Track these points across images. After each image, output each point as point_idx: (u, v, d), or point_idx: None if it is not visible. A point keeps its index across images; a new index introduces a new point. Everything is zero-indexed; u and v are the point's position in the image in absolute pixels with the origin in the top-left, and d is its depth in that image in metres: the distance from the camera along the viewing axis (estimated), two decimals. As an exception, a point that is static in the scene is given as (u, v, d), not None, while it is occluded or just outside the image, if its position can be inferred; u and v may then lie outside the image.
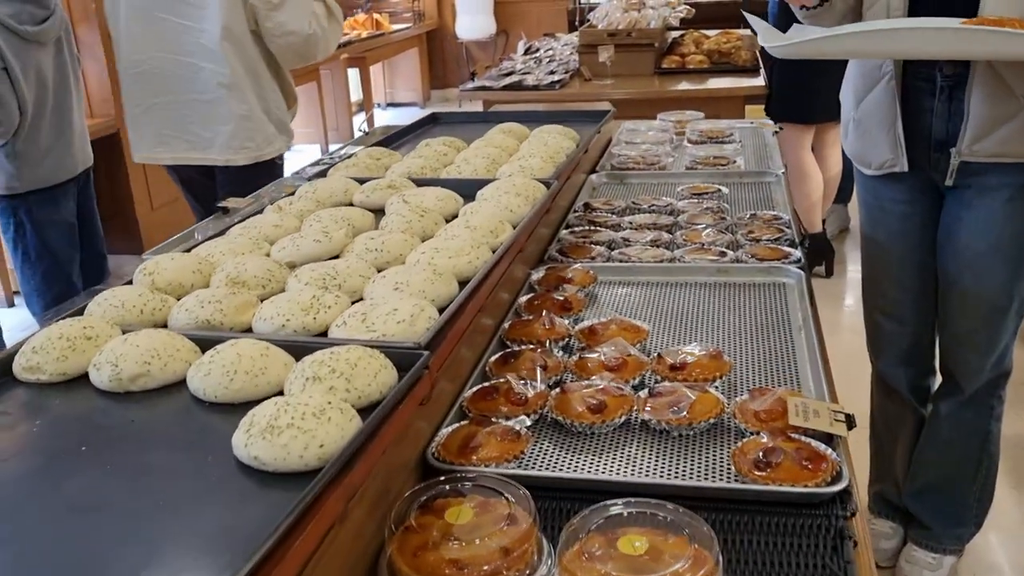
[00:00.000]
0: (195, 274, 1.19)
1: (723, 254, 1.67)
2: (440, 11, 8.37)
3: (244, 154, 2.36)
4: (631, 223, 1.85)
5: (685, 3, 4.98)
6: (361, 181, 1.63)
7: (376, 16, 7.38)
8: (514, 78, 4.06)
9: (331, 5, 2.46)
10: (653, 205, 1.97)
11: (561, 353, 1.29)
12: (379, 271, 1.20)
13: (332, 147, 6.65)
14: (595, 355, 1.26)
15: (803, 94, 3.79)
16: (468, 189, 1.55)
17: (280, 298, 1.06)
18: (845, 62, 2.51)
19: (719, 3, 6.49)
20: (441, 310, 1.06)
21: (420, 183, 1.59)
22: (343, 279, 1.13)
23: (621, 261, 1.64)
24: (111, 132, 4.06)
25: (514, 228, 1.34)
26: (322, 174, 1.76)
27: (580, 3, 6.97)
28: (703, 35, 4.73)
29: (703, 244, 1.71)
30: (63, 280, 3.09)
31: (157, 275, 1.18)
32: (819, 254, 3.92)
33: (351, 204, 1.58)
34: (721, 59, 4.23)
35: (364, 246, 1.25)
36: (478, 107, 4.21)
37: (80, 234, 3.12)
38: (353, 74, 6.89)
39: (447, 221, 1.41)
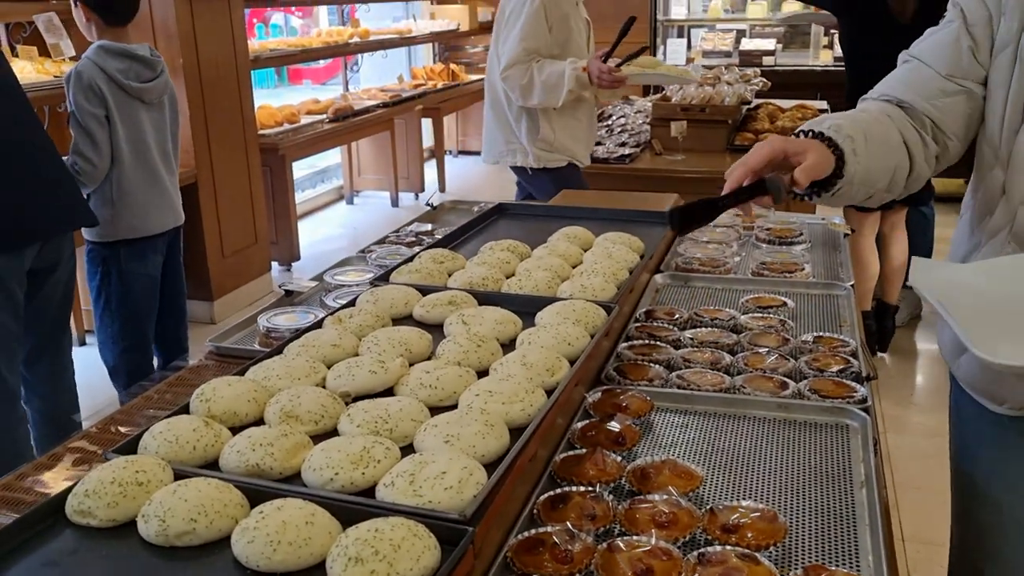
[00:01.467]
0: (250, 403, 1.20)
1: (784, 385, 1.62)
2: (516, 63, 8.46)
3: None
4: (692, 339, 1.82)
5: (761, 76, 4.95)
6: (422, 290, 1.63)
7: (452, 67, 7.49)
8: (583, 148, 4.06)
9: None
10: (716, 319, 1.94)
11: (611, 497, 1.26)
12: (431, 408, 1.20)
13: (402, 195, 6.75)
14: (646, 506, 1.23)
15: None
16: (528, 307, 1.55)
17: (331, 446, 1.06)
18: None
19: (795, 71, 6.45)
20: (491, 464, 1.05)
21: (480, 298, 1.58)
22: (395, 423, 1.13)
23: (680, 387, 1.61)
24: (190, 182, 4.18)
25: (571, 364, 1.32)
26: (384, 277, 1.78)
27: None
28: (778, 108, 4.69)
29: (765, 371, 1.67)
30: (138, 333, 3.18)
31: (213, 403, 1.19)
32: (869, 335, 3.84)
33: (410, 316, 1.58)
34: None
35: (419, 380, 1.25)
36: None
37: (162, 288, 3.22)
38: (426, 123, 7.00)
39: (504, 346, 1.40)
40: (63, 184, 2.67)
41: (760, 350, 1.77)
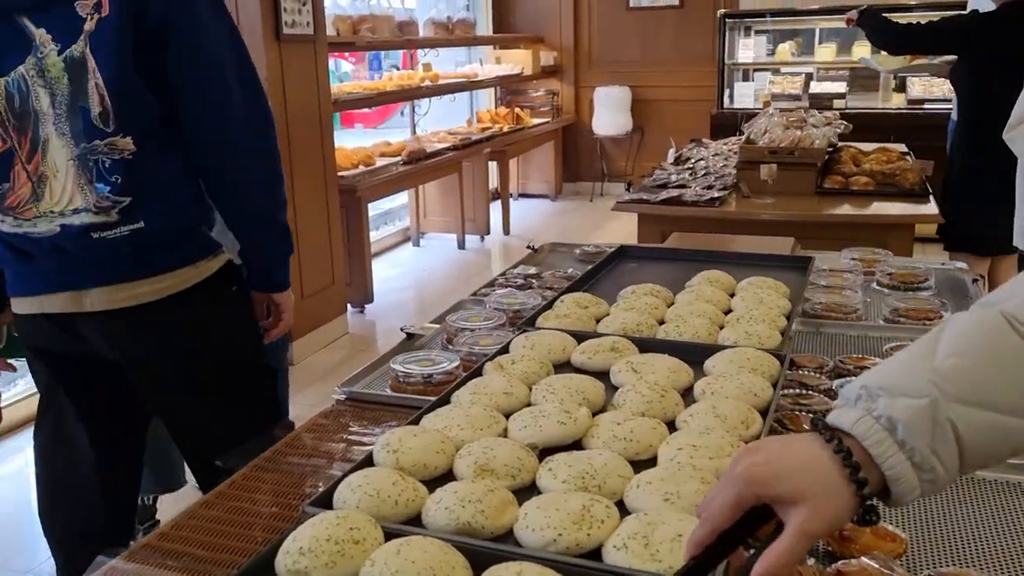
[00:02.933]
0: (439, 455, 1.15)
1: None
2: (577, 107, 8.49)
3: None
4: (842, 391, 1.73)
5: (842, 119, 4.88)
6: (576, 336, 1.57)
7: (517, 111, 7.52)
8: (670, 191, 4.01)
9: None
10: (863, 367, 1.85)
11: (813, 561, 1.18)
12: (629, 462, 1.14)
13: (468, 238, 6.74)
14: (855, 570, 1.14)
15: (979, 224, 3.61)
16: (692, 355, 1.48)
17: (547, 503, 1.00)
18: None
19: (866, 114, 6.37)
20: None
21: (641, 345, 1.52)
22: (602, 479, 1.07)
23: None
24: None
25: (763, 416, 1.25)
26: (530, 321, 1.72)
27: (723, 108, 6.94)
28: (859, 151, 4.61)
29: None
30: None
31: (402, 454, 1.14)
32: None
33: (567, 363, 1.53)
34: (885, 180, 4.09)
35: (611, 433, 1.18)
36: (629, 218, 4.16)
37: None
38: (491, 165, 7.02)
39: (682, 396, 1.34)
40: None
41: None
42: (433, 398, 1.79)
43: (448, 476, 1.15)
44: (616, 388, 1.39)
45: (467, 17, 6.92)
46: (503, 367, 1.46)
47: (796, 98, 6.61)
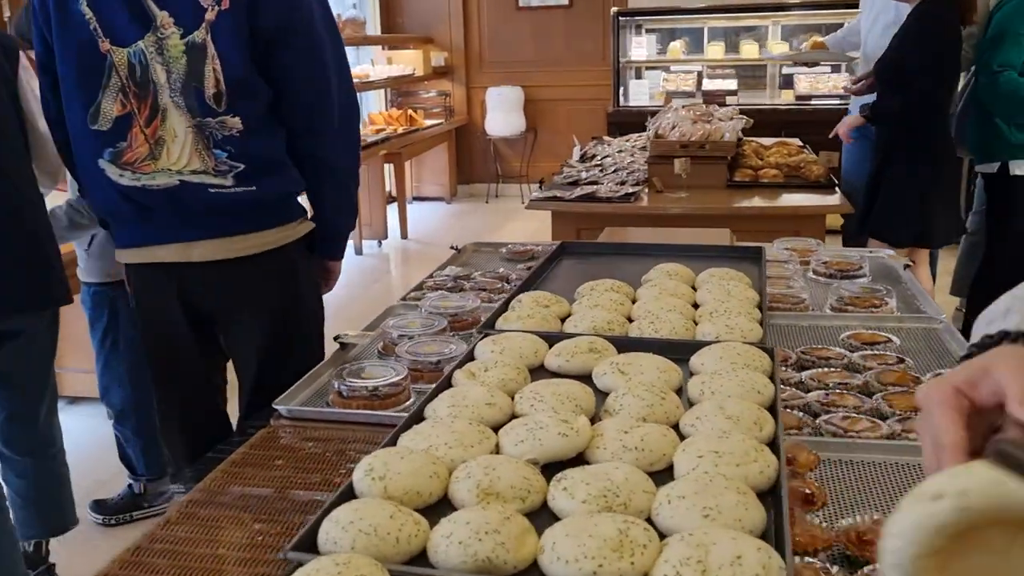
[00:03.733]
0: (432, 479, 1.00)
1: (945, 427, 1.48)
2: (470, 108, 8.37)
3: None
4: (816, 381, 1.67)
5: (742, 113, 4.93)
6: (545, 338, 1.45)
7: (410, 112, 7.35)
8: (584, 188, 3.94)
9: None
10: (826, 359, 1.80)
11: (837, 568, 1.09)
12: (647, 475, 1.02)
13: (366, 243, 6.52)
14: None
15: (897, 215, 3.66)
16: (676, 353, 1.38)
17: (574, 529, 0.87)
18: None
19: (757, 111, 6.49)
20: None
21: (619, 344, 1.41)
22: (627, 497, 0.94)
23: (837, 436, 1.46)
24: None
25: (773, 416, 1.15)
26: (489, 324, 1.58)
27: (620, 106, 6.96)
28: (761, 145, 4.67)
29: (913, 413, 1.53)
30: (145, 375, 2.94)
31: (390, 480, 0.98)
32: None
33: (542, 366, 1.40)
34: (791, 172, 4.14)
35: (619, 442, 1.06)
36: (541, 215, 4.08)
37: None
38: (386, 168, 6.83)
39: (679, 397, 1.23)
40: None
41: (895, 389, 1.64)
42: (382, 412, 1.64)
43: (443, 503, 1.00)
44: (603, 392, 1.27)
45: (356, 16, 6.70)
46: (475, 375, 1.31)
47: (690, 95, 6.69)
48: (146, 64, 1.77)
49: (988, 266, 3.92)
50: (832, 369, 1.75)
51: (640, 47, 6.99)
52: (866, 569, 1.08)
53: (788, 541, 0.86)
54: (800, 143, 4.88)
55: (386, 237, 6.76)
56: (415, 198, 8.30)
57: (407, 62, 7.56)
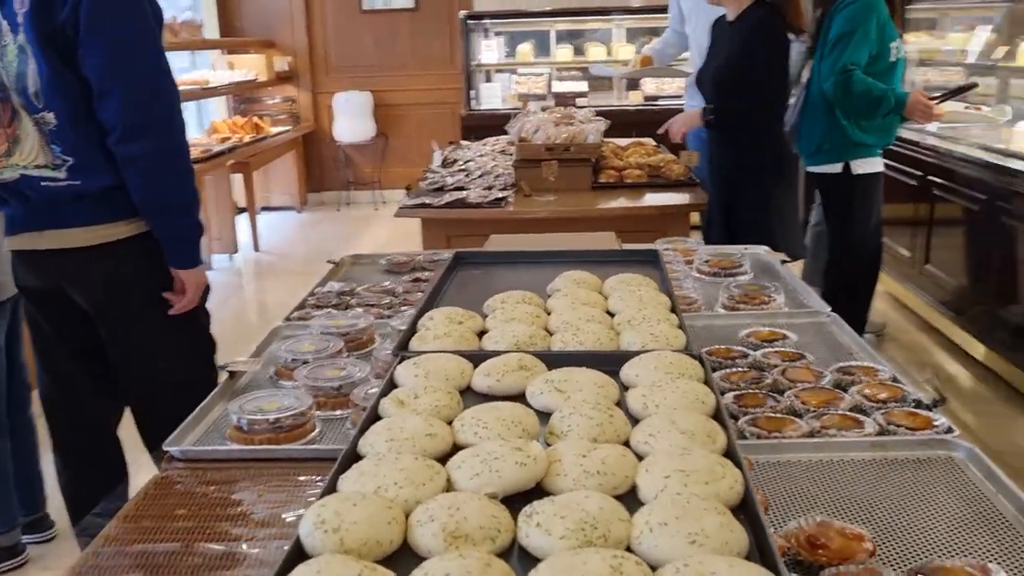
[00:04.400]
0: (391, 525, 0.91)
1: (860, 422, 1.52)
2: (317, 114, 8.13)
3: None
4: (727, 382, 1.68)
5: (598, 115, 5.00)
6: (468, 357, 1.38)
7: (255, 119, 7.05)
8: (452, 194, 3.88)
9: None
10: (731, 359, 1.82)
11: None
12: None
13: (216, 257, 6.20)
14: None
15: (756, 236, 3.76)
16: (606, 365, 1.35)
17: (564, 569, 0.80)
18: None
19: (607, 112, 6.64)
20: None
21: (548, 360, 1.36)
22: (605, 528, 0.89)
23: (761, 438, 1.46)
24: None
25: (721, 426, 1.13)
26: (402, 346, 1.49)
27: (472, 110, 6.93)
28: (618, 146, 4.76)
29: (836, 409, 1.56)
30: None
31: (347, 532, 0.89)
32: None
33: (469, 388, 1.33)
34: (653, 172, 4.23)
35: (579, 468, 1.01)
36: (410, 224, 3.99)
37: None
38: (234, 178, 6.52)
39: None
40: None
41: (803, 385, 1.67)
42: (290, 447, 1.52)
43: (404, 551, 0.92)
44: (539, 412, 1.22)
45: (193, 18, 6.36)
46: (404, 403, 1.23)
47: (541, 98, 6.75)
48: (1, 69, 1.97)
49: (836, 265, 4.12)
50: (739, 369, 1.77)
51: (490, 50, 6.99)
52: (824, 573, 1.07)
53: (778, 560, 0.84)
54: (655, 143, 5.01)
55: (236, 251, 6.46)
56: (264, 208, 7.97)
57: (249, 67, 7.25)
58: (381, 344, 1.85)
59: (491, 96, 6.84)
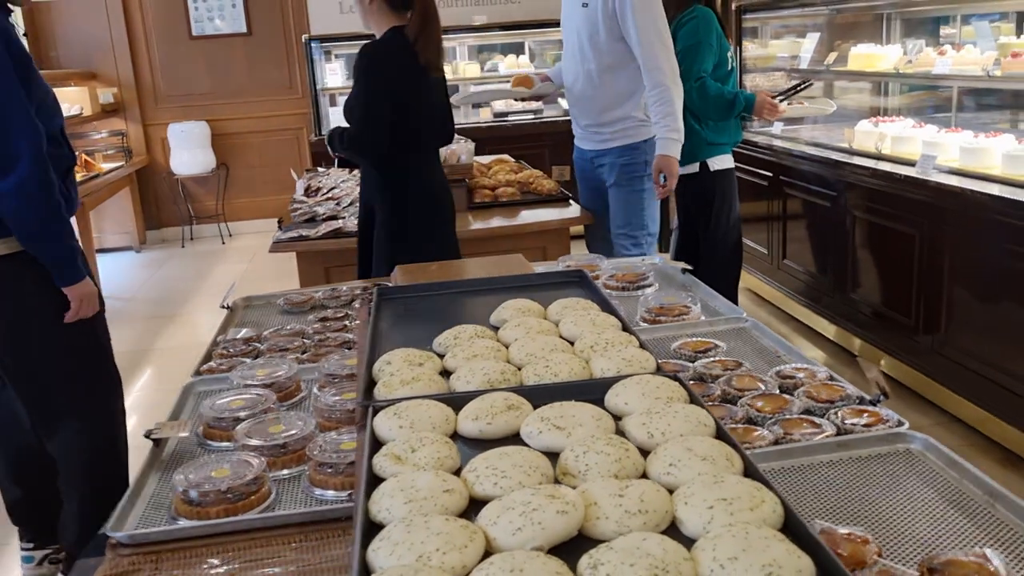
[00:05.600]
0: (452, 601, 0.85)
1: (815, 423, 1.57)
2: (150, 147, 7.71)
3: None
4: (677, 396, 1.70)
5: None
6: (447, 402, 1.32)
7: (85, 157, 6.59)
8: (327, 224, 3.76)
9: None
10: (673, 372, 1.84)
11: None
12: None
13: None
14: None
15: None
16: (590, 395, 1.33)
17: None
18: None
19: (464, 129, 6.65)
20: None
21: (531, 396, 1.32)
22: (676, 571, 0.87)
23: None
24: None
25: (732, 447, 1.13)
26: (367, 394, 1.41)
27: (321, 135, 6.75)
28: (481, 164, 4.77)
29: (786, 413, 1.61)
30: None
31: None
32: None
33: (455, 434, 1.27)
34: (524, 189, 4.26)
35: (620, 509, 0.98)
36: (268, 257, 3.83)
37: None
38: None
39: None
40: None
41: (753, 392, 1.71)
42: (253, 516, 1.42)
43: (469, 624, 0.86)
44: (543, 452, 1.18)
45: (7, 53, 5.86)
46: (401, 458, 1.16)
47: (392, 119, 6.66)
48: None
49: (704, 263, 4.30)
50: (699, 382, 1.80)
51: (335, 73, 6.85)
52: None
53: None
54: (513, 159, 5.06)
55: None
56: (99, 250, 7.46)
57: (72, 100, 6.77)
58: (323, 392, 1.76)
59: (340, 120, 6.68)
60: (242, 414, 1.72)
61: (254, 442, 1.59)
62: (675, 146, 3.49)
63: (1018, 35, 3.99)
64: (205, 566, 1.32)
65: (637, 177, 3.65)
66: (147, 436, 1.68)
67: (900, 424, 1.54)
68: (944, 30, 4.58)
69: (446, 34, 6.98)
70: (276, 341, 2.24)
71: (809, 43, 4.95)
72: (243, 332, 2.31)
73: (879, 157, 4.05)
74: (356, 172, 4.97)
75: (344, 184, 4.53)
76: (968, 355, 3.41)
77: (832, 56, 4.74)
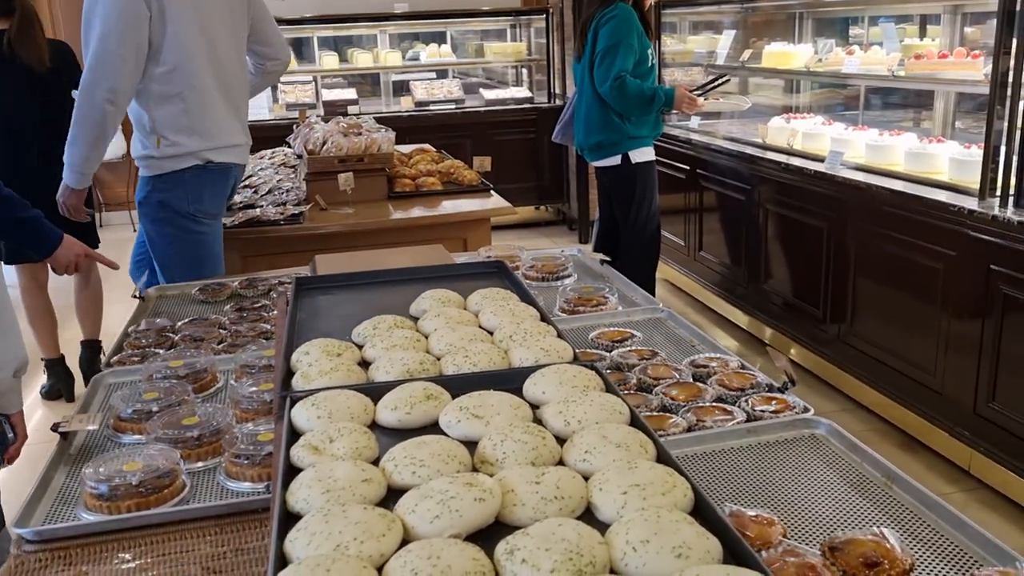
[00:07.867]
0: (370, 587, 0.86)
1: (727, 411, 1.62)
2: (57, 130, 7.41)
3: None
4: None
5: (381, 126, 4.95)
6: (366, 392, 1.32)
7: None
8: (244, 213, 3.69)
9: None
10: (594, 362, 1.87)
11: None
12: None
13: None
14: (794, 560, 1.13)
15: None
16: (508, 384, 1.34)
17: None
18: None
19: (384, 118, 6.59)
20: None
21: (449, 386, 1.33)
22: (590, 555, 0.89)
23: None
24: None
25: (647, 434, 1.16)
26: (285, 385, 1.40)
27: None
28: (402, 154, 4.74)
29: (700, 401, 1.66)
30: None
31: (327, 602, 0.82)
32: None
33: (374, 424, 1.27)
34: (446, 179, 4.26)
35: (536, 495, 1.00)
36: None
37: None
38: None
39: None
40: None
41: (667, 383, 1.76)
42: (165, 509, 1.40)
43: (387, 611, 0.87)
44: (462, 441, 1.19)
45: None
46: (319, 449, 1.16)
47: (311, 106, 6.57)
48: None
49: (624, 252, 4.38)
50: (614, 371, 1.83)
51: (251, 58, 6.69)
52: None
53: (760, 560, 0.88)
54: (435, 148, 5.04)
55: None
56: (1, 238, 7.16)
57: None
58: (239, 383, 1.74)
59: (256, 107, 6.55)
60: (155, 407, 1.68)
61: (167, 434, 1.56)
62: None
63: (921, 37, 4.16)
64: (116, 561, 1.29)
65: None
66: (54, 429, 1.63)
67: (806, 411, 1.61)
68: (853, 30, 4.75)
69: (367, 20, 6.96)
70: (191, 331, 2.20)
71: (725, 40, 5.06)
72: (158, 323, 2.26)
73: (791, 153, 4.18)
74: (272, 159, 4.89)
75: (262, 172, 4.45)
76: (870, 343, 3.55)
77: (747, 53, 4.86)
